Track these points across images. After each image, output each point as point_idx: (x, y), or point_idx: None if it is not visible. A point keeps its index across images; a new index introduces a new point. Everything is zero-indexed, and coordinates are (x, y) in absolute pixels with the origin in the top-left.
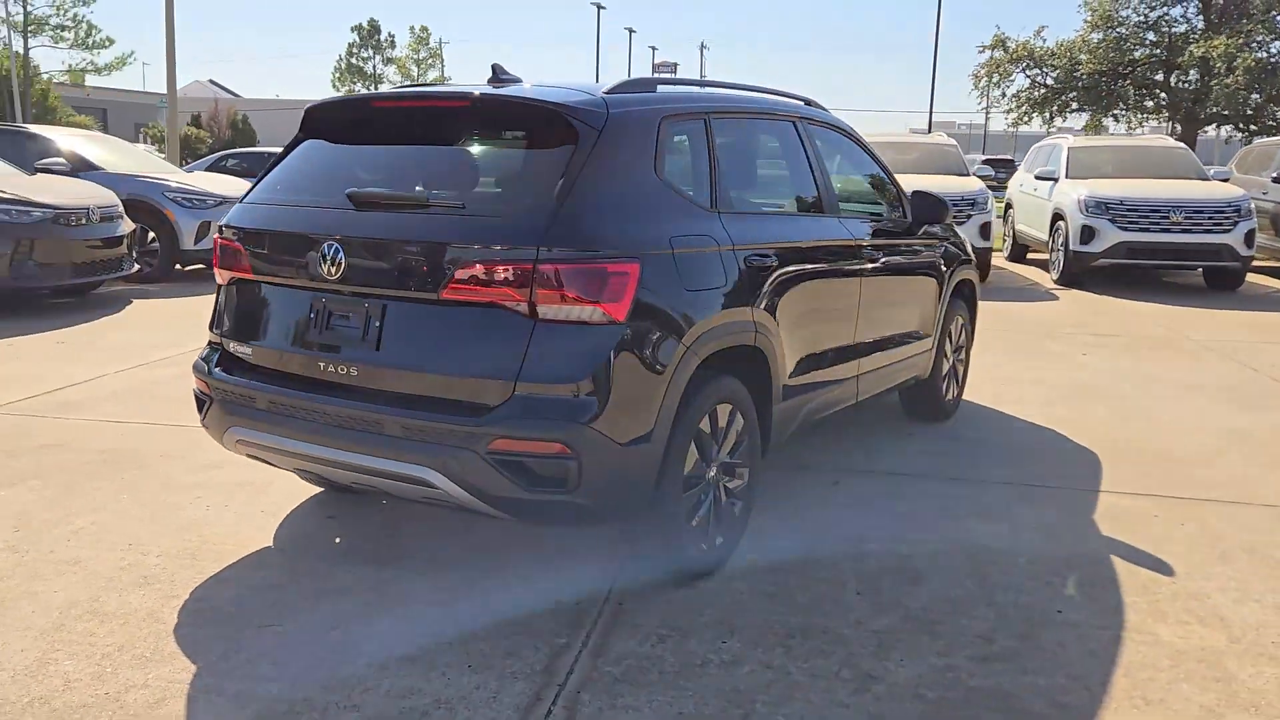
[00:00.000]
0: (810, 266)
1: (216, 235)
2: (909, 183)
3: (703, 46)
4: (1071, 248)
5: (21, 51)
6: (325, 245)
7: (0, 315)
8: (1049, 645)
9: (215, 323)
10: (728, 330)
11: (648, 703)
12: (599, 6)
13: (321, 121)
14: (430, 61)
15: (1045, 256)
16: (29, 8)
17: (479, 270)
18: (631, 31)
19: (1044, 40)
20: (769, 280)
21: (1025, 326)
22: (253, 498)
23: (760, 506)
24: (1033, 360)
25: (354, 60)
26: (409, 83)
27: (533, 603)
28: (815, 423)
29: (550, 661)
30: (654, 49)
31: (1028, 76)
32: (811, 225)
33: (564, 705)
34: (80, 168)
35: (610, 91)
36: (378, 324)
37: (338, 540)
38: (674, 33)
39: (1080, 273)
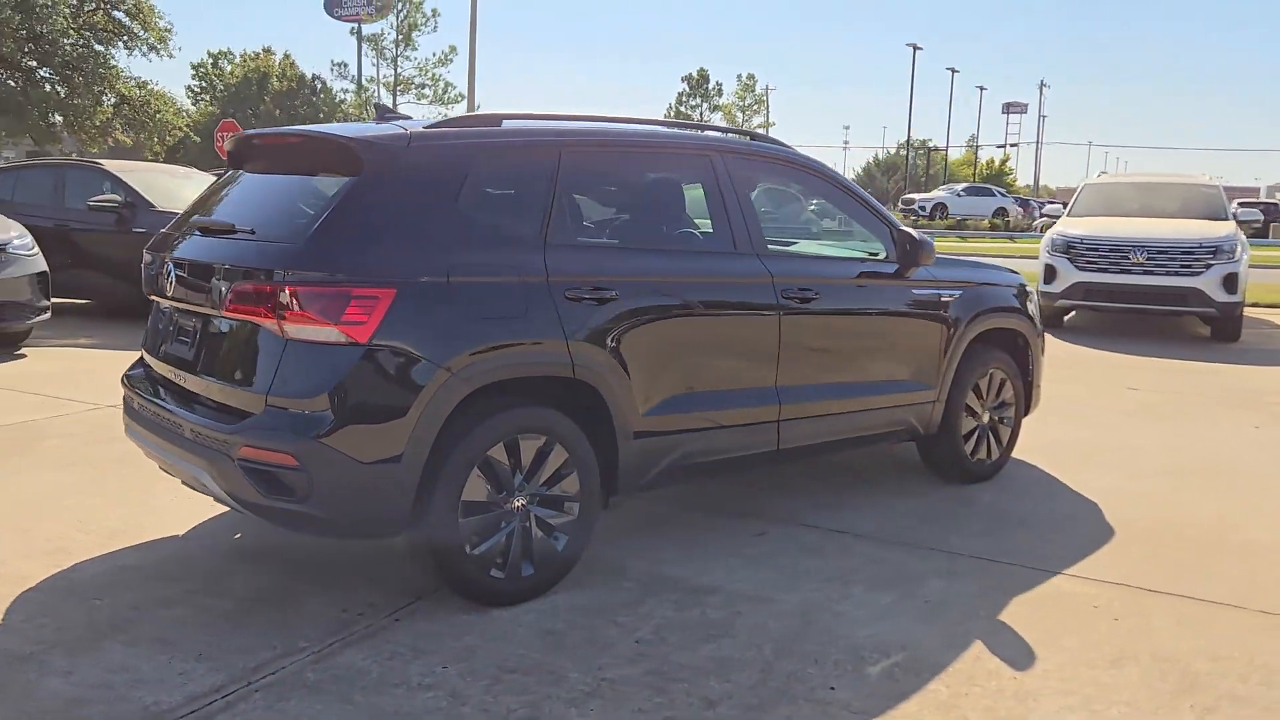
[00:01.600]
0: (685, 303)
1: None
2: (1143, 227)
3: (1042, 85)
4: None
5: (392, 108)
6: (169, 266)
7: None
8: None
9: (143, 336)
10: (522, 360)
11: (306, 710)
12: (915, 48)
13: (231, 154)
14: (755, 107)
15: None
16: (398, 69)
17: (247, 289)
18: (954, 71)
19: None
20: (608, 315)
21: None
22: None
23: (654, 546)
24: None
25: (683, 109)
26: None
27: (317, 607)
28: (718, 468)
29: (271, 660)
30: (982, 89)
31: None
32: (698, 262)
33: (226, 698)
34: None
35: (430, 127)
36: (198, 337)
37: (238, 536)
38: (1006, 71)
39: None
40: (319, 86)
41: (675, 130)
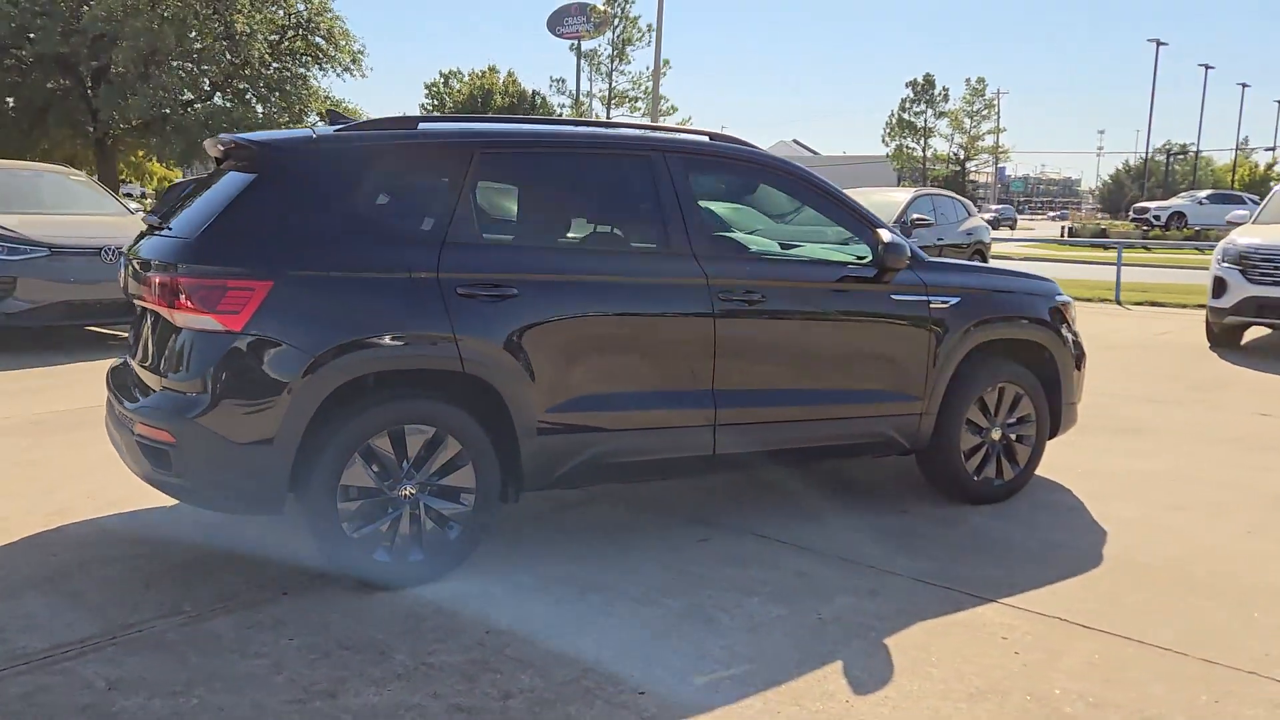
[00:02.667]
0: (597, 303)
1: None
2: None
3: None
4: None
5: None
6: (129, 263)
7: None
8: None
9: None
10: (400, 353)
11: (142, 664)
12: (1158, 43)
13: (216, 158)
14: (985, 113)
15: None
16: (613, 84)
17: (156, 281)
18: (1208, 68)
19: None
20: (508, 312)
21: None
22: None
23: (583, 545)
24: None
25: (904, 115)
26: (958, 135)
27: (228, 578)
28: (644, 470)
29: (148, 620)
30: (1244, 86)
31: None
32: (616, 262)
33: (84, 648)
34: None
35: (342, 130)
36: (141, 327)
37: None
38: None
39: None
40: (538, 101)
41: (609, 132)
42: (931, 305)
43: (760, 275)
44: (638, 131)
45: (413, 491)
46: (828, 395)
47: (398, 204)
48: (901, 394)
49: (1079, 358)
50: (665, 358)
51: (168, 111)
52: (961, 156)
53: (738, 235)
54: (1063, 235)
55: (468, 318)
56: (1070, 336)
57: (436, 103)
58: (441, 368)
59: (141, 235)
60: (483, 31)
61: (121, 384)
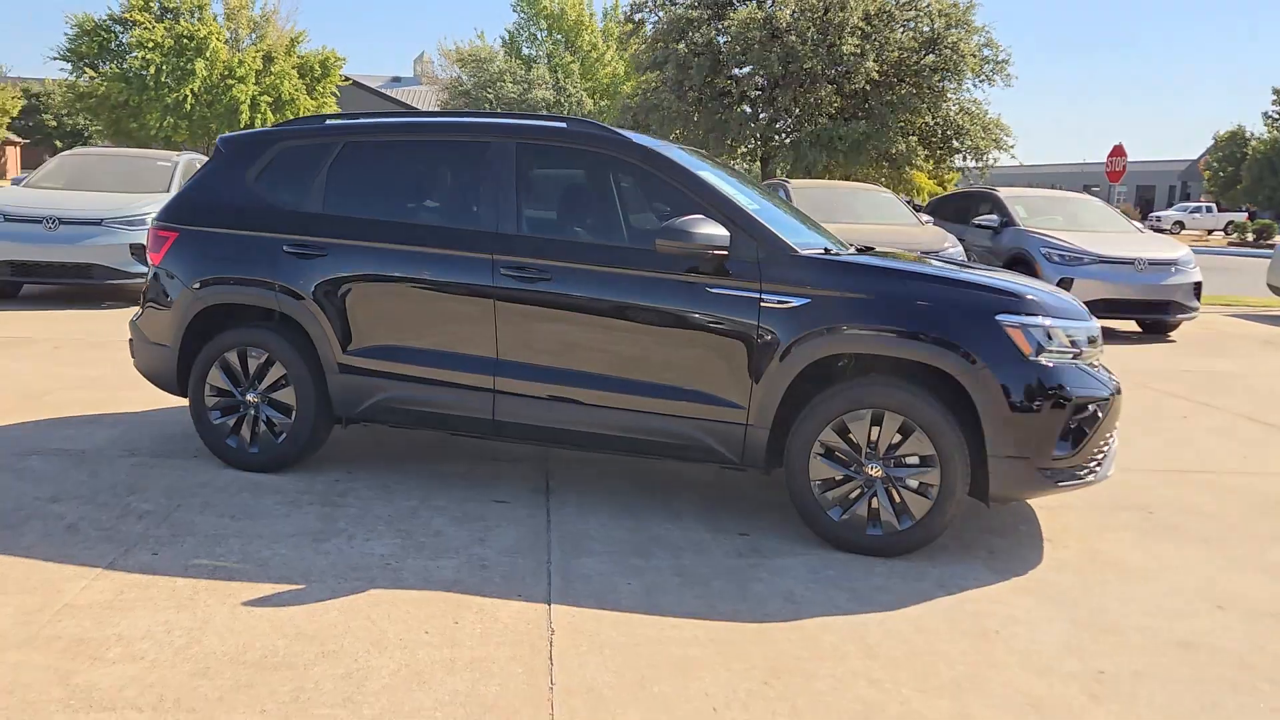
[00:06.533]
0: (390, 268)
1: None
2: None
3: None
4: None
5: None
6: None
7: None
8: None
9: None
10: (235, 292)
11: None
12: None
13: None
14: None
15: None
16: None
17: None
18: None
19: None
20: (316, 268)
21: None
22: None
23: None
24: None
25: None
26: None
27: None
28: (431, 420)
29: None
30: None
31: None
32: (411, 234)
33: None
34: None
35: (273, 127)
36: None
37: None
38: None
39: None
40: None
41: (455, 120)
42: (763, 304)
43: (553, 255)
44: (481, 120)
45: (255, 400)
46: (620, 383)
47: (277, 183)
48: (714, 397)
49: (1036, 399)
50: (450, 322)
51: None
52: None
53: (553, 216)
54: None
55: (286, 270)
56: (1016, 366)
57: None
58: (264, 306)
59: None
60: None
61: None
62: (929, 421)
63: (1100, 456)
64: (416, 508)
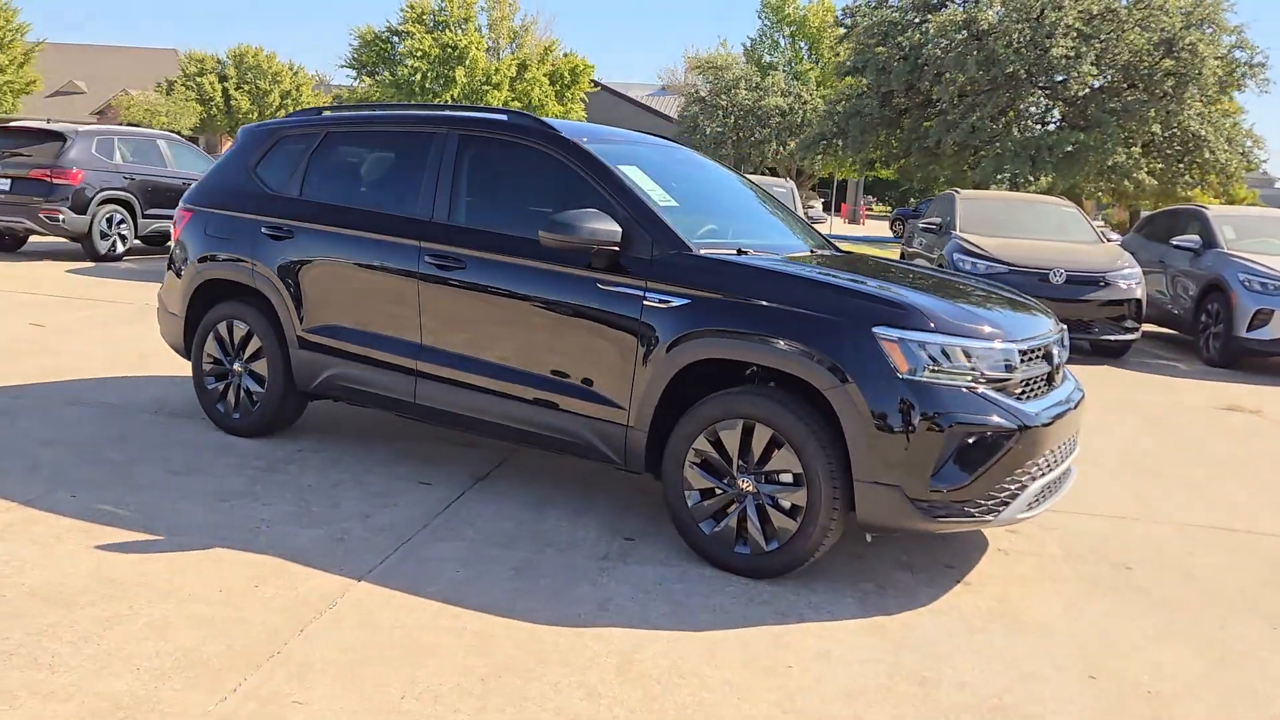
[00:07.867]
0: (338, 251)
1: None
2: None
3: None
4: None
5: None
6: None
7: None
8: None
9: None
10: (222, 268)
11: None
12: None
13: None
14: None
15: None
16: None
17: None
18: None
19: None
20: (284, 248)
21: None
22: None
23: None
24: None
25: None
26: None
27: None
28: (368, 399)
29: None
30: None
31: None
32: (359, 219)
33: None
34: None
35: (287, 116)
36: None
37: None
38: None
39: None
40: None
41: (411, 113)
42: (645, 302)
43: (468, 244)
44: (431, 112)
45: (240, 370)
46: (519, 375)
47: (273, 169)
48: (596, 395)
49: (909, 422)
50: (384, 305)
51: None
52: None
53: (479, 206)
54: None
55: (263, 249)
56: (888, 384)
57: None
58: (243, 282)
59: None
60: None
61: None
62: (796, 436)
63: (1004, 495)
64: (343, 481)
